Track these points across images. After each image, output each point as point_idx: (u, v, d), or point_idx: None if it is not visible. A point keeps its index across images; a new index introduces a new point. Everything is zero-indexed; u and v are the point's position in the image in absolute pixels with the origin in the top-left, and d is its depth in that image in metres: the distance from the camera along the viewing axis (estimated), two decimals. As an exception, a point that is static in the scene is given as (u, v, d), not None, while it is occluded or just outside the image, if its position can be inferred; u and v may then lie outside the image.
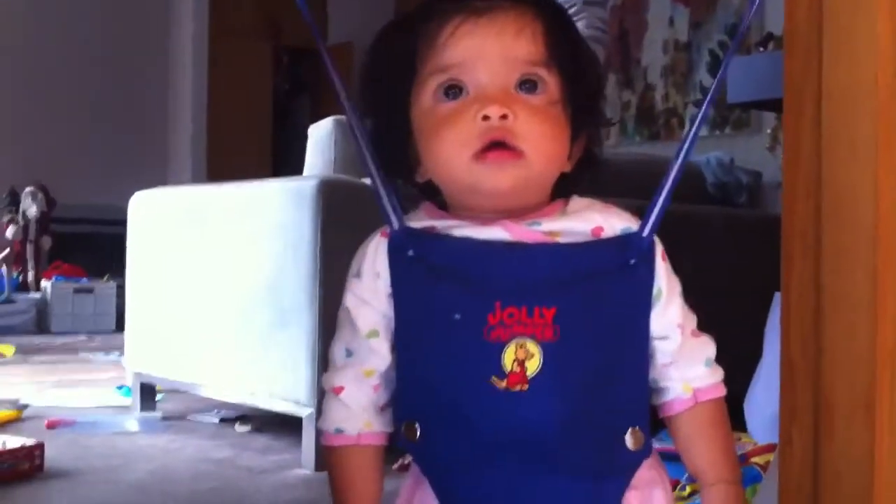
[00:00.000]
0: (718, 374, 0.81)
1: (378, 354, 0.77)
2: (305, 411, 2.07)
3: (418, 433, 0.75)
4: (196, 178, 6.36)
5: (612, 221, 0.77)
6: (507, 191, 0.73)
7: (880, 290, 0.88)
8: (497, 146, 0.72)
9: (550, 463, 0.72)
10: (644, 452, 0.75)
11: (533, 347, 0.71)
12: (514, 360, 0.71)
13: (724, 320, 2.74)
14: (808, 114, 0.95)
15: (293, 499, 1.85)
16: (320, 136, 2.40)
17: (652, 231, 0.77)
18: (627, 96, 4.88)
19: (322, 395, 0.82)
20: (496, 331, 0.71)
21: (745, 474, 1.47)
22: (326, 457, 0.81)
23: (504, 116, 0.71)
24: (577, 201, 0.78)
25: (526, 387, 0.71)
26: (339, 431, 0.79)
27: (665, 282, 0.78)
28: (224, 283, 2.41)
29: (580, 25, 2.25)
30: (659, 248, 0.78)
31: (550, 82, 0.75)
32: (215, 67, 6.61)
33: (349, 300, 0.78)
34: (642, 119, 4.76)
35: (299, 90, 7.40)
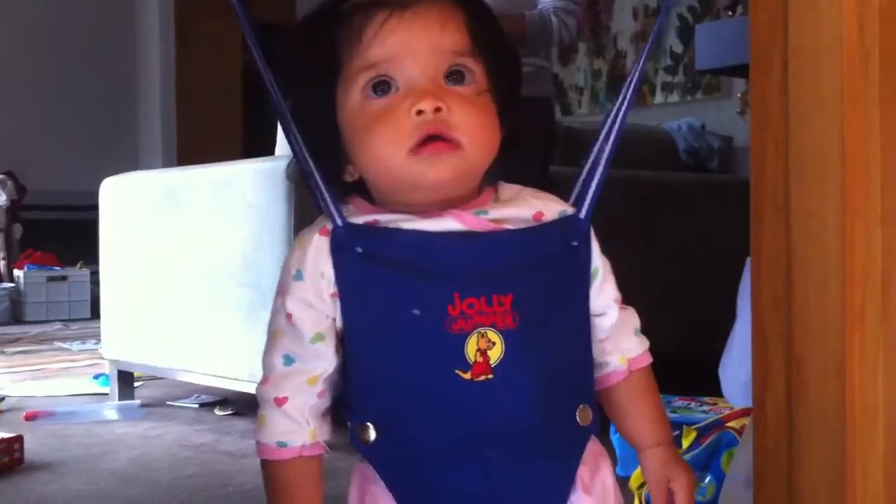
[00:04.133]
0: (646, 342, 0.84)
1: (325, 358, 0.75)
2: (285, 392, 2.06)
3: (373, 435, 0.73)
4: (167, 160, 6.30)
5: (549, 206, 0.78)
6: (448, 182, 0.73)
7: (849, 250, 0.88)
8: (433, 139, 0.71)
9: (521, 448, 0.73)
10: (592, 427, 0.77)
11: (494, 336, 0.71)
12: (477, 350, 0.71)
13: (699, 286, 2.78)
14: (774, 74, 0.95)
15: (276, 480, 1.85)
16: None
17: (588, 213, 0.79)
18: (598, 64, 4.87)
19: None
20: (458, 322, 0.71)
21: (722, 439, 1.49)
22: (266, 471, 0.77)
23: (438, 109, 0.71)
24: (506, 188, 0.79)
25: (491, 375, 0.71)
26: (281, 445, 0.75)
27: (600, 261, 0.80)
28: (199, 266, 2.39)
29: None
30: (591, 230, 0.80)
31: (477, 72, 0.75)
32: (183, 47, 6.52)
33: (290, 305, 0.74)
34: (613, 87, 4.75)
35: (270, 67, 7.31)
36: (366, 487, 0.76)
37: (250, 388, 2.22)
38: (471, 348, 0.71)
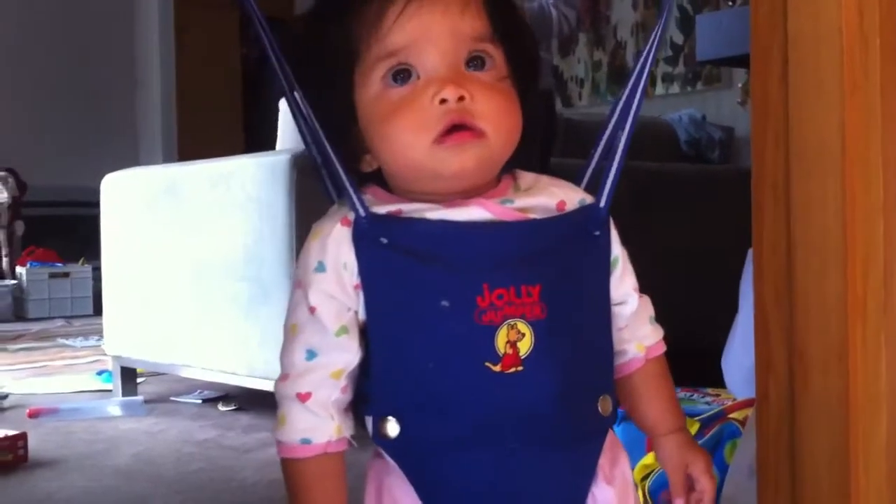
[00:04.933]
0: (660, 330, 0.83)
1: (349, 351, 0.73)
2: (288, 387, 2.06)
3: (396, 429, 0.71)
4: (168, 155, 6.30)
5: (570, 195, 0.77)
6: (472, 172, 0.72)
7: (850, 240, 0.88)
8: (457, 129, 0.70)
9: (545, 438, 0.72)
10: (612, 418, 0.76)
11: (524, 327, 0.70)
12: (507, 343, 0.70)
13: (700, 277, 2.77)
14: (775, 64, 0.95)
15: (280, 477, 1.85)
16: (290, 109, 2.37)
17: (608, 202, 0.78)
18: (598, 55, 4.86)
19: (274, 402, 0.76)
20: (487, 314, 0.70)
21: (724, 430, 1.49)
22: (288, 470, 0.75)
23: (461, 98, 0.70)
24: (524, 176, 0.78)
25: (521, 368, 0.70)
26: (305, 442, 0.73)
27: (620, 249, 0.79)
28: (201, 261, 2.39)
29: None
30: (610, 219, 0.79)
31: (497, 57, 0.74)
32: (183, 41, 6.51)
33: (313, 297, 0.72)
34: (614, 78, 4.74)
35: (268, 58, 7.29)
36: (383, 481, 0.74)
37: (252, 384, 2.22)
38: (501, 340, 0.70)
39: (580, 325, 0.74)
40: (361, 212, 0.72)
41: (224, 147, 3.49)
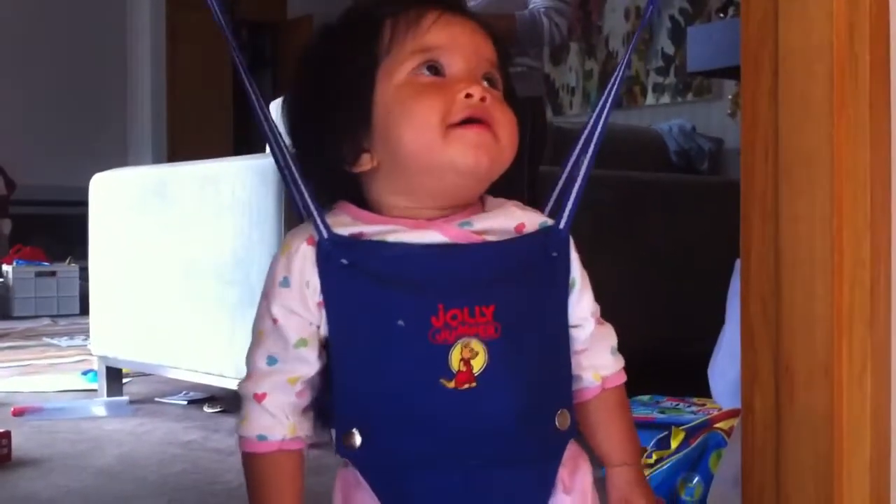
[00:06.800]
0: (621, 361, 0.85)
1: (307, 362, 0.76)
2: (274, 390, 2.06)
3: (359, 441, 0.75)
4: (157, 155, 6.28)
5: (531, 217, 0.80)
6: (485, 172, 0.75)
7: (837, 254, 0.88)
8: (478, 122, 0.74)
9: (504, 454, 0.74)
10: (570, 432, 0.79)
11: (478, 346, 0.73)
12: (461, 360, 0.73)
13: (688, 287, 2.78)
14: (765, 77, 0.96)
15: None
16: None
17: (567, 224, 0.81)
18: (590, 65, 4.88)
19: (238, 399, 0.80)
20: (441, 333, 0.73)
21: (710, 440, 1.49)
22: (247, 464, 0.79)
23: (483, 99, 0.74)
24: (491, 200, 0.81)
25: (474, 384, 0.73)
26: (262, 438, 0.77)
27: (579, 272, 0.81)
28: (188, 262, 2.38)
29: None
30: (571, 241, 0.81)
31: (500, 86, 0.79)
32: (174, 42, 6.50)
33: (276, 310, 0.76)
34: (604, 87, 4.75)
35: (261, 65, 7.31)
36: (349, 493, 0.77)
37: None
38: (454, 358, 0.73)
39: (535, 343, 0.77)
40: (325, 234, 0.75)
41: (214, 149, 3.49)
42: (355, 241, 0.75)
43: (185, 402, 2.61)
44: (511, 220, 0.78)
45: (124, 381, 2.78)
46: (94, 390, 2.76)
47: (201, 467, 1.95)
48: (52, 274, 5.20)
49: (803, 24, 0.92)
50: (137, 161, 6.08)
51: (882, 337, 0.92)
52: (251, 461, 0.78)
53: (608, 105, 0.86)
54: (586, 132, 0.85)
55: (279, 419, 0.77)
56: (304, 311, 0.75)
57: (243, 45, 7.21)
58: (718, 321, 1.65)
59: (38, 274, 5.17)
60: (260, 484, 0.78)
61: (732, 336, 1.45)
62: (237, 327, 2.19)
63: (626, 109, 4.61)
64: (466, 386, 0.73)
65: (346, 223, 0.77)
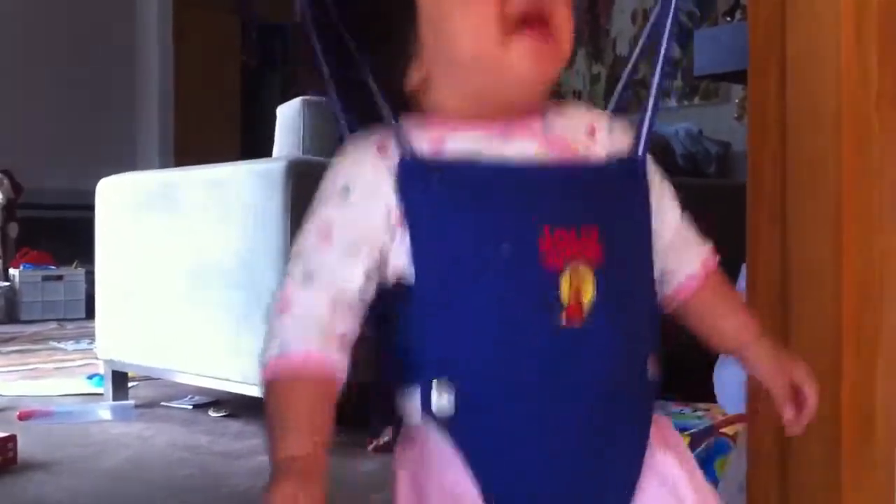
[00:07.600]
0: (709, 241, 0.80)
1: (351, 280, 0.66)
2: (280, 394, 2.05)
3: (452, 392, 0.64)
4: (164, 160, 6.29)
5: (599, 117, 0.74)
6: (542, 81, 0.69)
7: (845, 260, 0.88)
8: (535, 24, 0.66)
9: (616, 409, 0.67)
10: (657, 380, 0.71)
11: (586, 272, 0.65)
12: (570, 290, 0.65)
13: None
14: (772, 81, 0.95)
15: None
16: (289, 115, 2.37)
17: (645, 149, 0.75)
18: (597, 69, 4.87)
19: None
20: (550, 256, 0.64)
21: (715, 445, 1.49)
22: (267, 394, 0.66)
23: None
24: (545, 102, 0.73)
25: (583, 323, 0.65)
26: (285, 348, 0.65)
27: (658, 190, 0.76)
28: (195, 266, 2.38)
29: None
30: (649, 159, 0.76)
31: None
32: (182, 45, 6.51)
33: (328, 218, 0.67)
34: (612, 91, 4.75)
35: (269, 67, 7.32)
36: (427, 482, 0.66)
37: (244, 390, 2.21)
38: (565, 286, 0.65)
39: (632, 273, 0.70)
40: (409, 147, 0.66)
41: (221, 153, 3.50)
42: (444, 158, 0.67)
43: (191, 407, 2.61)
44: (581, 120, 0.72)
45: (130, 385, 2.78)
46: (100, 394, 2.76)
47: (208, 471, 1.95)
48: (59, 278, 5.21)
49: (811, 27, 0.92)
50: (145, 165, 6.09)
51: (890, 342, 0.91)
52: (272, 389, 0.66)
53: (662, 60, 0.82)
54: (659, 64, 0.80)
55: (307, 328, 0.65)
56: (365, 224, 0.66)
57: (254, 47, 7.20)
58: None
59: (45, 278, 5.18)
60: (282, 407, 0.65)
61: (739, 341, 1.44)
62: (243, 331, 2.19)
63: (630, 114, 4.60)
64: (577, 323, 0.64)
65: (422, 128, 0.68)
